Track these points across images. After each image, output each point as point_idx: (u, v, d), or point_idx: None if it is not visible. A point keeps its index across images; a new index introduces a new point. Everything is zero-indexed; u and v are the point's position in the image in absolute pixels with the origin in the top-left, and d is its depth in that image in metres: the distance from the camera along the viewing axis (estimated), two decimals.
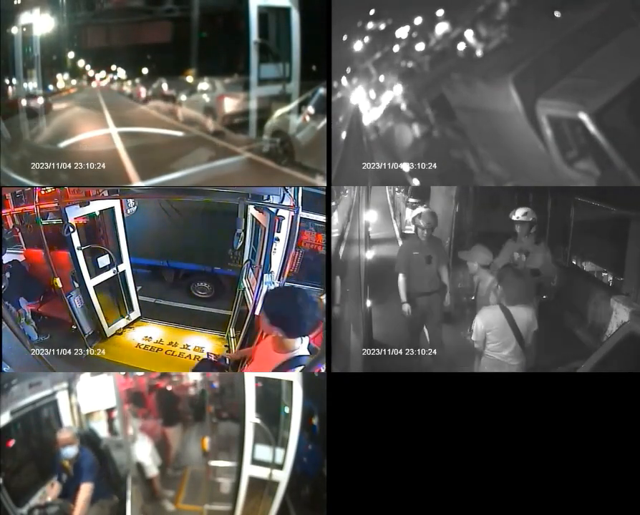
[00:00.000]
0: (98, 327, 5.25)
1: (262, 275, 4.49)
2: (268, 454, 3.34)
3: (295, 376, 3.31)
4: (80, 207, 4.93)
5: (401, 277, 4.35)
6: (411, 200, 6.56)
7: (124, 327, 5.59)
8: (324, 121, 3.56)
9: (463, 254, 4.55)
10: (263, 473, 3.35)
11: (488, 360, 3.64)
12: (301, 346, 2.62)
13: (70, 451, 3.37)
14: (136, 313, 5.80)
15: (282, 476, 3.34)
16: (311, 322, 2.55)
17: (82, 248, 4.99)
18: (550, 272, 4.49)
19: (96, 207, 5.16)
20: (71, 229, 4.82)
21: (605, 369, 3.04)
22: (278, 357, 2.62)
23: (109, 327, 5.36)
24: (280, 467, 3.33)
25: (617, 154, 3.15)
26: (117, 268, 5.44)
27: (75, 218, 4.89)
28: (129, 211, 5.90)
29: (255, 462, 3.36)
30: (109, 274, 5.38)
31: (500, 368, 3.59)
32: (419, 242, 4.40)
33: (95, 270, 5.21)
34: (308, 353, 2.65)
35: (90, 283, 5.10)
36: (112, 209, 5.37)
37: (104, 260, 5.32)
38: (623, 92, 3.17)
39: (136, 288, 5.80)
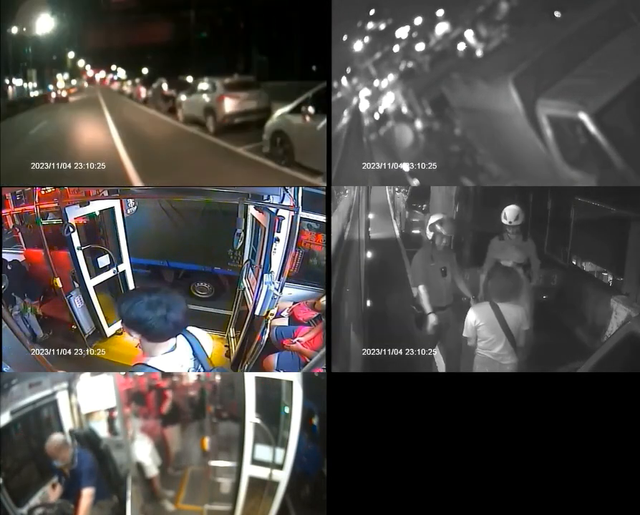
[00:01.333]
0: (98, 327, 5.23)
1: (262, 275, 4.49)
2: (268, 454, 3.34)
3: (295, 376, 3.31)
4: (80, 207, 4.91)
5: (422, 289, 4.10)
6: (412, 200, 6.57)
7: None
8: (324, 121, 3.56)
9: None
10: (263, 473, 3.34)
11: (480, 358, 3.64)
12: (159, 356, 2.30)
13: (59, 464, 3.32)
14: None
15: (282, 476, 3.33)
16: (163, 325, 2.20)
17: (82, 248, 4.97)
18: (537, 264, 4.57)
19: (96, 207, 5.13)
20: (71, 229, 4.80)
21: (605, 369, 3.03)
22: (140, 358, 2.37)
23: (109, 327, 5.34)
24: (280, 467, 3.33)
25: (617, 154, 3.15)
26: (117, 268, 5.42)
27: (75, 218, 4.88)
28: (129, 211, 5.88)
29: (255, 462, 3.35)
30: (109, 274, 5.36)
31: (492, 366, 3.58)
32: (433, 251, 4.17)
33: (95, 270, 5.19)
34: (159, 370, 2.30)
35: (90, 283, 5.08)
36: (112, 209, 5.35)
37: (104, 260, 5.30)
38: (623, 92, 3.16)
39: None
